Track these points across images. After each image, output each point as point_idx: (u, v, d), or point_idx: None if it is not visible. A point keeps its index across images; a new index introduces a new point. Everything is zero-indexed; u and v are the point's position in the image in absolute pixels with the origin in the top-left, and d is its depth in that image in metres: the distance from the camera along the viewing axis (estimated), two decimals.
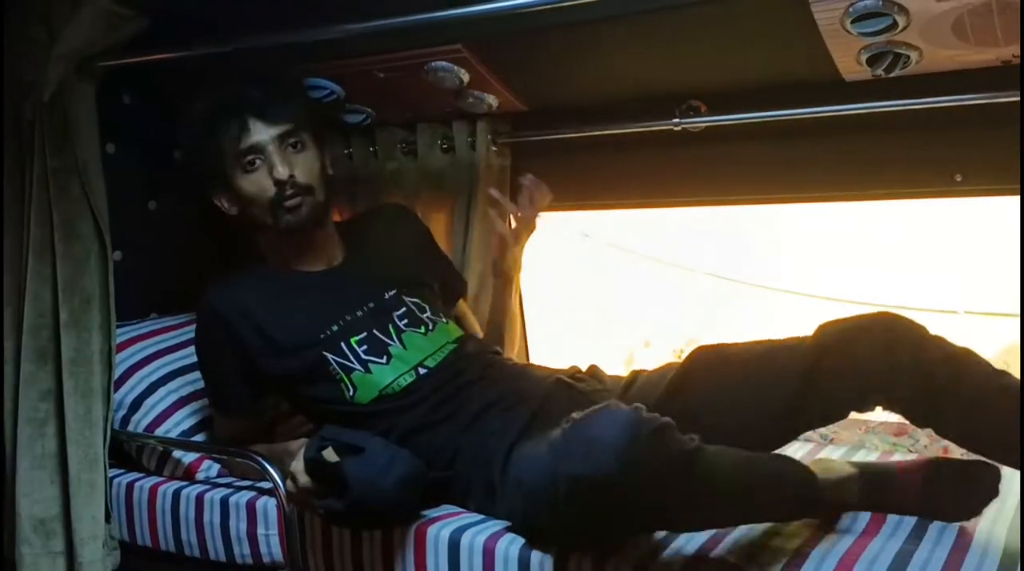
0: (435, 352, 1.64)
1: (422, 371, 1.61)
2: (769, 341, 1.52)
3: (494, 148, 2.04)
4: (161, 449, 1.83)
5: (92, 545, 1.76)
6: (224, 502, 1.67)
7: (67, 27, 1.77)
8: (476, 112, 1.97)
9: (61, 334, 1.78)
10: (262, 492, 1.66)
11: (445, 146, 2.08)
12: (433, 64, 1.79)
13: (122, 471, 1.86)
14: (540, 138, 2.03)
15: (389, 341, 1.62)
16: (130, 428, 1.86)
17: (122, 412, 1.86)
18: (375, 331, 1.63)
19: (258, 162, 1.60)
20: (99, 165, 1.86)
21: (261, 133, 1.59)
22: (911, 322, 1.41)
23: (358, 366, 1.61)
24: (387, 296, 1.68)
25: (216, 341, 1.66)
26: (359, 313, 1.65)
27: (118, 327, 1.90)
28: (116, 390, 1.86)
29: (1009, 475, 1.44)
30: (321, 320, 1.62)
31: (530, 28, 1.65)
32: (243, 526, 1.65)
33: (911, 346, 1.37)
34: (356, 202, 2.18)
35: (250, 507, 1.65)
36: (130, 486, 1.80)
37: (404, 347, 1.62)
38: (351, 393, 1.61)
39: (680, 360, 1.59)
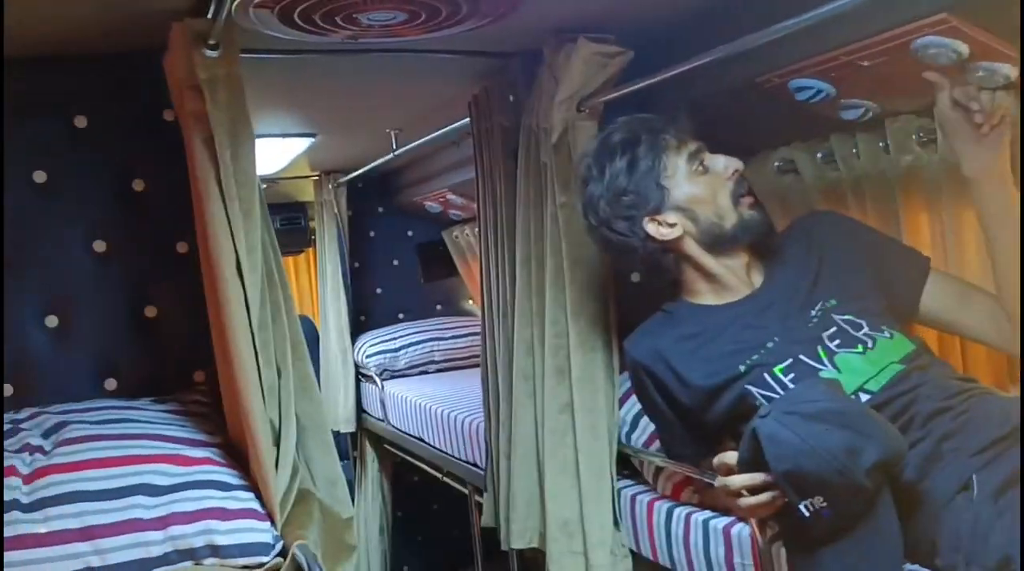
0: (877, 374, 1.41)
1: (864, 396, 1.40)
2: None
3: None
4: (655, 465, 1.88)
5: (601, 550, 1.90)
6: (706, 525, 1.66)
7: (564, 75, 1.94)
8: (993, 87, 1.64)
9: (571, 353, 1.95)
10: (741, 518, 1.61)
11: None
12: (919, 42, 1.54)
13: (630, 482, 1.96)
14: None
15: (819, 366, 1.45)
16: (632, 444, 1.95)
17: (625, 428, 1.97)
18: (802, 356, 1.46)
19: (706, 164, 1.58)
20: None
21: (695, 140, 1.60)
22: None
23: None
24: (813, 317, 1.51)
25: (647, 392, 1.65)
26: (781, 339, 1.50)
27: None
28: (620, 407, 1.97)
29: None
30: (740, 352, 1.51)
31: None
32: (721, 551, 1.62)
33: None
34: (865, 203, 1.97)
35: (726, 533, 1.61)
36: (633, 498, 1.90)
37: (838, 371, 1.43)
38: None
39: None
